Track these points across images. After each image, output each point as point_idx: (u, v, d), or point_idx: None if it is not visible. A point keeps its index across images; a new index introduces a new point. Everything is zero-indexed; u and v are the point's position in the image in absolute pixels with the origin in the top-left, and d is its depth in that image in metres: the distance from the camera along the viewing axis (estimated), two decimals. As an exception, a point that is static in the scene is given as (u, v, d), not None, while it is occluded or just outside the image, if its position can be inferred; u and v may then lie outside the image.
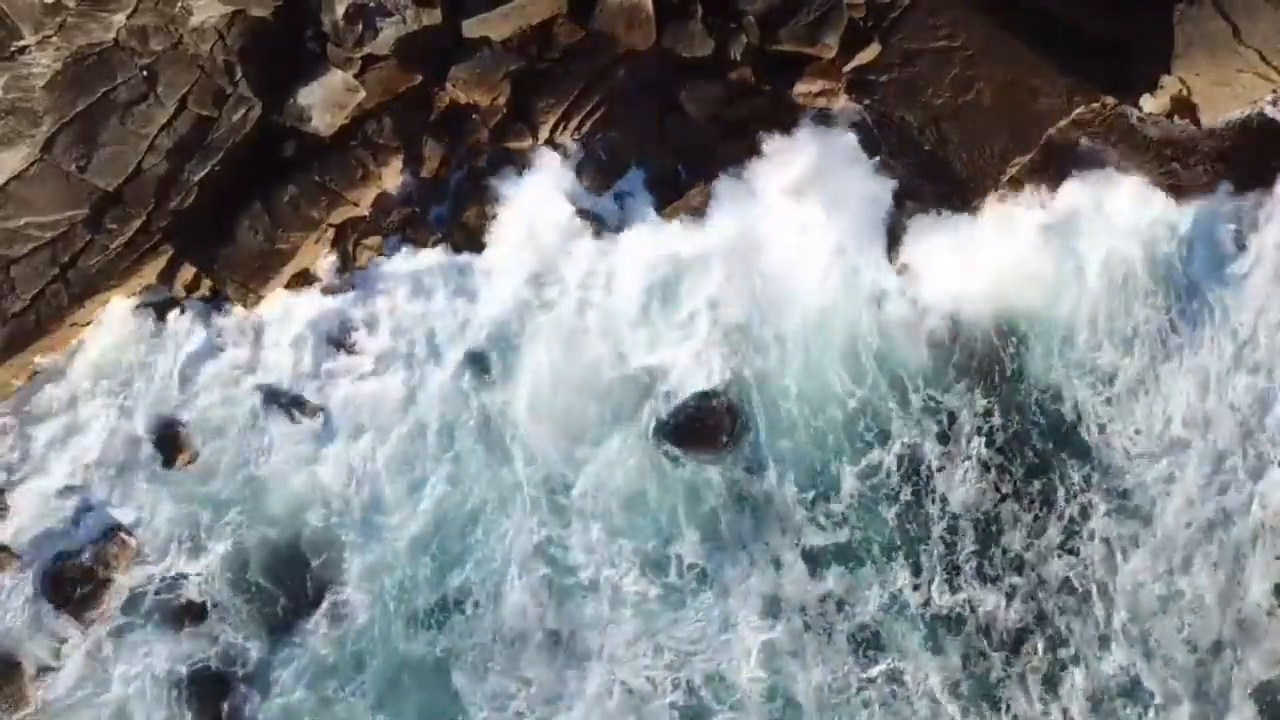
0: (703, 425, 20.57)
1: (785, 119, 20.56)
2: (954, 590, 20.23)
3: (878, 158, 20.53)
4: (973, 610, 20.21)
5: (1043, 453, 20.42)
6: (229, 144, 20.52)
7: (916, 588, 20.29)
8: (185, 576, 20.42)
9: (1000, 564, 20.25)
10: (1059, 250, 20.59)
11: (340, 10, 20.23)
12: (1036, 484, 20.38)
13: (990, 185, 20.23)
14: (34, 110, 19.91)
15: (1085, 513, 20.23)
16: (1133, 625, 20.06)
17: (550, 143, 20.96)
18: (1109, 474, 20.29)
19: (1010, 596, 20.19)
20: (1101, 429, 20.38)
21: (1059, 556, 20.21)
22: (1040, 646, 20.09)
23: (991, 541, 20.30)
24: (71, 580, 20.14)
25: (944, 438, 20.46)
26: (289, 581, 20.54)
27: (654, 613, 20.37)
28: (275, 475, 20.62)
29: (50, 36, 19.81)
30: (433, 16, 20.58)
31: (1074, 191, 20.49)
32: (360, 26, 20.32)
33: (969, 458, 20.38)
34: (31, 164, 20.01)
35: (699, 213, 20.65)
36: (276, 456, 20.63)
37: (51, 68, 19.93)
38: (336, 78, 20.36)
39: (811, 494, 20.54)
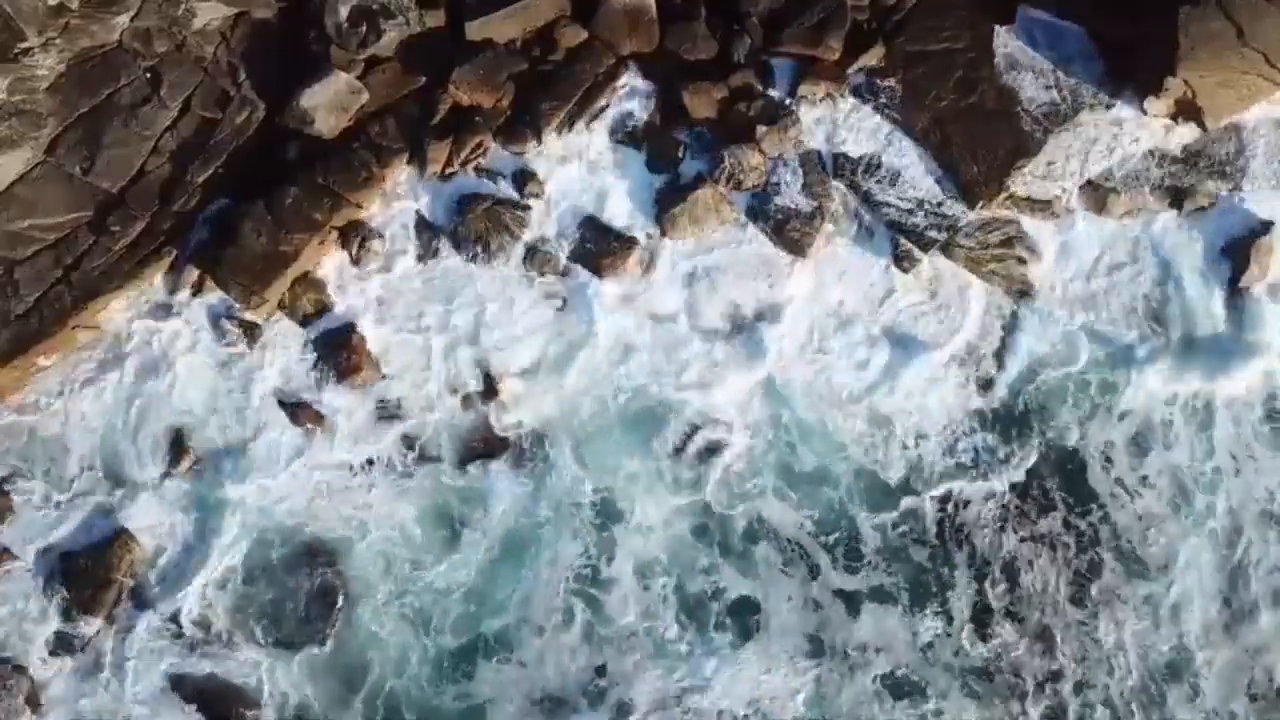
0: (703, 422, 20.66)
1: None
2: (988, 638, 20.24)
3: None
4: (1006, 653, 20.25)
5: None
6: (232, 146, 20.54)
7: (949, 635, 20.26)
8: (191, 582, 20.35)
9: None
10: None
11: (343, 12, 20.23)
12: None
13: (994, 189, 20.17)
14: (37, 112, 19.93)
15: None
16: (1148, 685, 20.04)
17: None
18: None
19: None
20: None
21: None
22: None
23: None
24: (75, 583, 20.11)
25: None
26: (298, 599, 20.43)
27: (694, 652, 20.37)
28: (283, 485, 20.49)
29: (54, 39, 19.83)
30: (436, 19, 20.57)
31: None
32: (363, 28, 20.32)
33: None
34: (35, 166, 20.02)
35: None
36: (285, 465, 20.53)
37: (55, 70, 19.96)
38: (340, 80, 20.35)
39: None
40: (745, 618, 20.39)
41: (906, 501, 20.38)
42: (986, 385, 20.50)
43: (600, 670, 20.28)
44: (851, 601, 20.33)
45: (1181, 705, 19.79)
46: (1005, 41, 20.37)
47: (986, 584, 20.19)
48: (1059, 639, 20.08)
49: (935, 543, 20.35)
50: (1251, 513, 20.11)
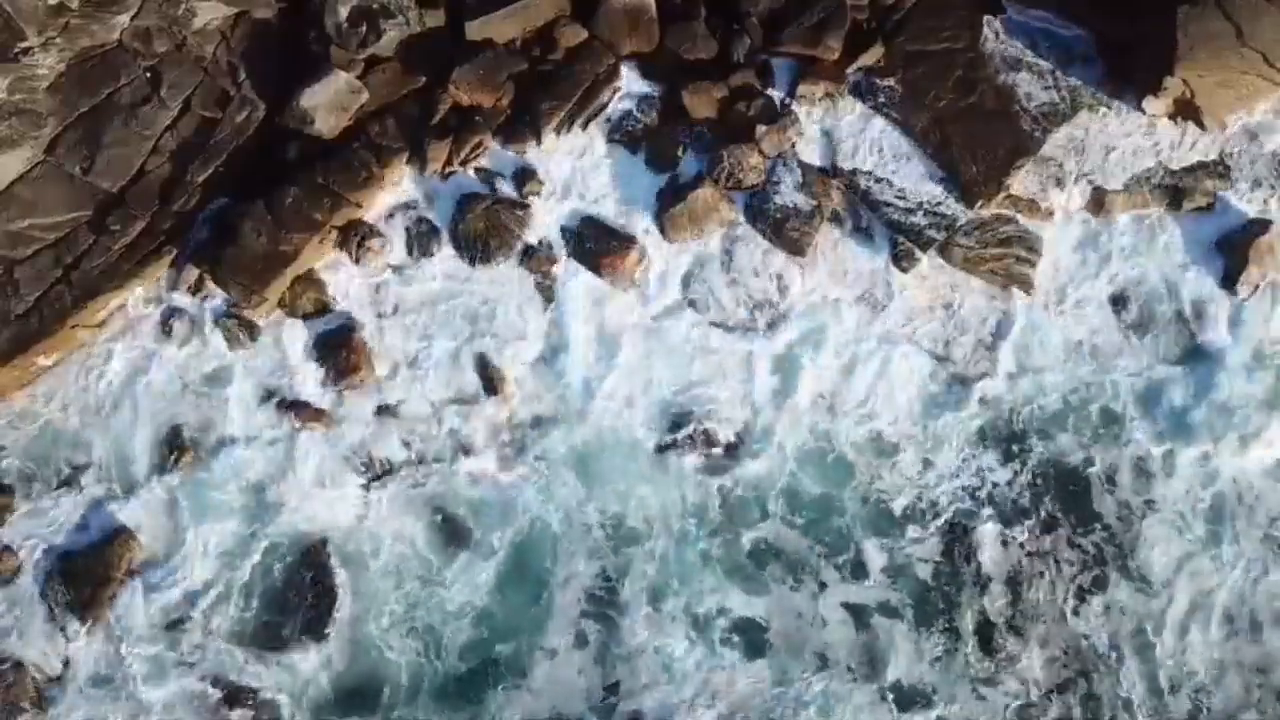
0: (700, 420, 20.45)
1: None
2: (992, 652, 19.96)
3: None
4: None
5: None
6: (232, 146, 20.56)
7: (956, 649, 20.03)
8: (189, 580, 20.24)
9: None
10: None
11: (343, 12, 20.26)
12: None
13: (993, 188, 20.17)
14: (37, 112, 19.98)
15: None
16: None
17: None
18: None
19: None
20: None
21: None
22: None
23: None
24: (75, 582, 20.07)
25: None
26: (296, 598, 20.21)
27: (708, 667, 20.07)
28: (281, 485, 20.38)
29: (54, 38, 19.88)
30: (436, 18, 20.62)
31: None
32: (363, 28, 20.35)
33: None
34: (35, 166, 20.06)
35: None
36: (282, 465, 20.42)
37: (55, 69, 20.00)
38: (340, 80, 20.37)
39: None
40: (754, 634, 20.05)
41: (911, 523, 20.14)
42: (987, 405, 20.36)
43: (610, 688, 19.97)
44: (859, 616, 20.03)
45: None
46: (996, 33, 20.44)
47: (991, 600, 19.94)
48: (1063, 654, 19.84)
49: (940, 560, 20.11)
50: (1253, 536, 19.94)
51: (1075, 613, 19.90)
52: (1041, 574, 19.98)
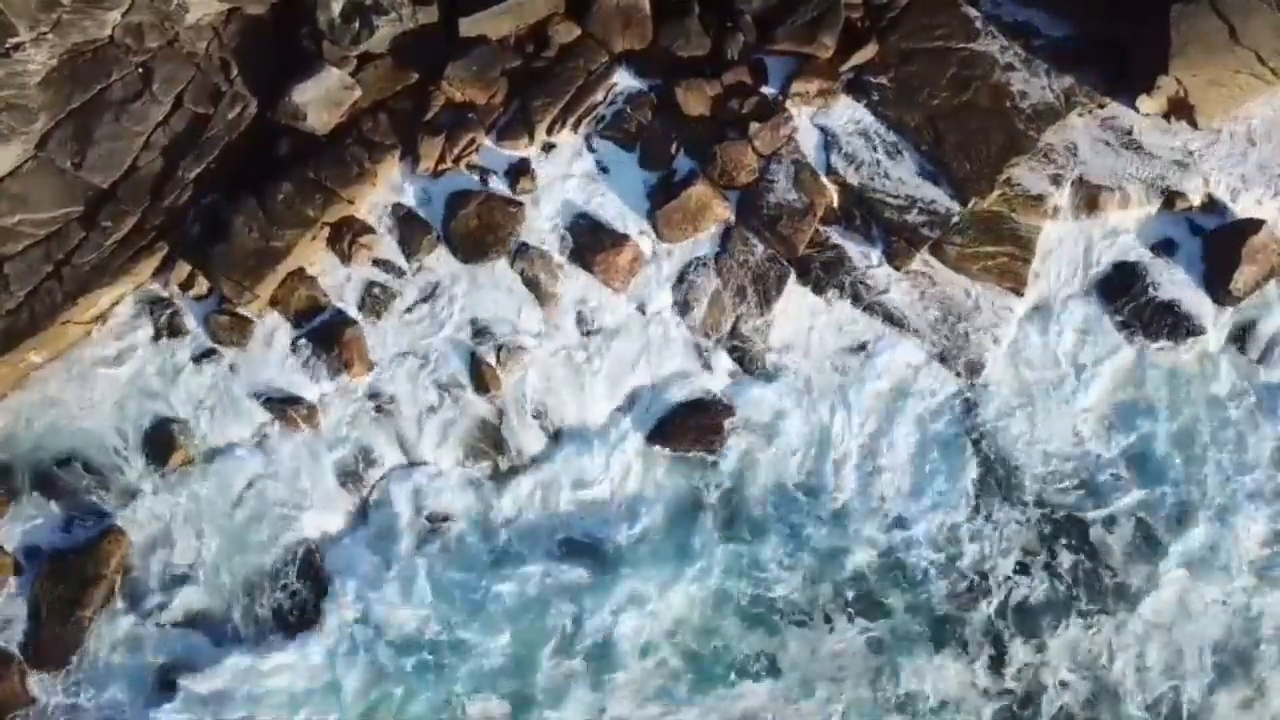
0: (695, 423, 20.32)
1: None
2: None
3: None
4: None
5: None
6: (224, 141, 20.54)
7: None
8: (180, 578, 20.17)
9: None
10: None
11: (336, 8, 20.30)
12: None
13: (986, 186, 20.15)
14: (29, 107, 19.99)
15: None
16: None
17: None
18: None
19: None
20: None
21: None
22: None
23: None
24: (67, 579, 19.96)
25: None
26: (286, 607, 20.10)
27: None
28: (271, 487, 20.26)
29: (45, 33, 19.90)
30: (429, 15, 20.66)
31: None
32: (356, 24, 20.36)
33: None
34: (26, 161, 20.07)
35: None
36: (274, 462, 20.33)
37: (46, 64, 20.02)
38: (332, 76, 20.37)
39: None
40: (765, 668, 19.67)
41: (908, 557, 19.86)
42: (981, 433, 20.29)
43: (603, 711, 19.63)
44: (872, 646, 19.63)
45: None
46: (991, 33, 20.63)
47: (999, 627, 19.66)
48: (1071, 677, 19.54)
49: (948, 597, 19.76)
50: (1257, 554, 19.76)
51: (1080, 636, 19.59)
52: (1044, 609, 19.71)
